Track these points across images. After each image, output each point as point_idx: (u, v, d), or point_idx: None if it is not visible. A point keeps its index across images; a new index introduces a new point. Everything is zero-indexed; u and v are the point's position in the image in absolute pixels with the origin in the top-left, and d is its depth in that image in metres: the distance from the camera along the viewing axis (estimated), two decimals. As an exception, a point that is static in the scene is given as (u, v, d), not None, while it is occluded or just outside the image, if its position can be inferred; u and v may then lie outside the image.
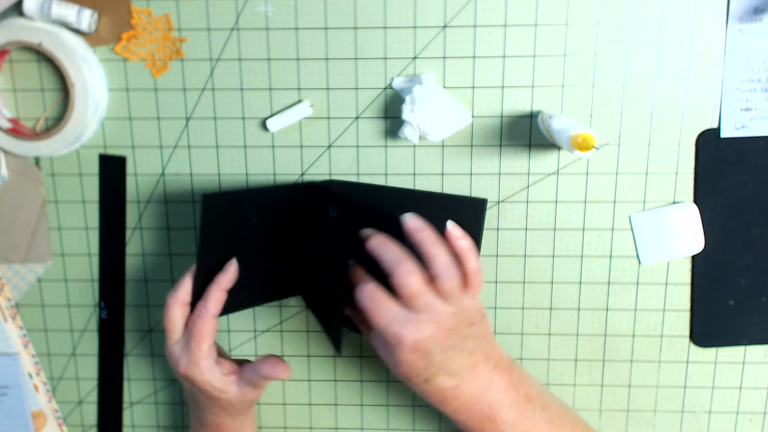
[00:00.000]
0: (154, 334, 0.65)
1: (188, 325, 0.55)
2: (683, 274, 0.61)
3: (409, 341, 0.48)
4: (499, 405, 0.52)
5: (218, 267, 0.56)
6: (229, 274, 0.55)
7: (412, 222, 0.50)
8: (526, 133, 0.59)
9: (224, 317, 0.64)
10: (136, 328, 0.65)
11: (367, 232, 0.52)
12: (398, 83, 0.58)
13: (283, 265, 0.60)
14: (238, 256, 0.56)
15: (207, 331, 0.54)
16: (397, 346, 0.49)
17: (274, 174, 0.61)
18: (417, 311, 0.49)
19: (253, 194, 0.58)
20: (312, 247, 0.58)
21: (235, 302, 0.57)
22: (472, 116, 0.58)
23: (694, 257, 0.60)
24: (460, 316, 0.50)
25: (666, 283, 0.61)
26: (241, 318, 0.64)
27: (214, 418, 0.58)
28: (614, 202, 0.60)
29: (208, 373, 0.55)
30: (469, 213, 0.58)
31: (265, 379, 0.56)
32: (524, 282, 0.62)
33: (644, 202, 0.60)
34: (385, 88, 0.59)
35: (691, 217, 0.59)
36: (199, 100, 0.60)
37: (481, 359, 0.51)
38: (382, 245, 0.50)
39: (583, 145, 0.49)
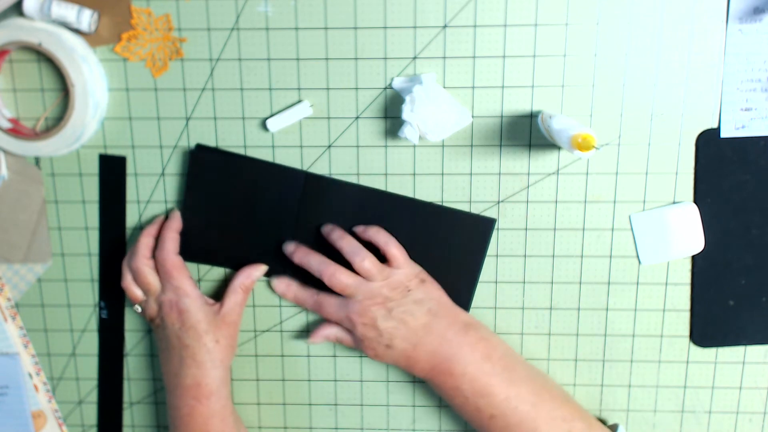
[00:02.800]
0: (154, 334, 0.65)
1: (164, 273, 0.59)
2: (683, 274, 0.61)
3: (356, 318, 0.57)
4: (456, 360, 0.56)
5: (204, 225, 0.62)
6: (175, 221, 0.61)
7: (327, 230, 0.60)
8: (526, 133, 0.59)
9: (224, 317, 0.64)
10: (136, 328, 0.65)
11: (327, 228, 0.60)
12: (398, 83, 0.58)
13: (264, 239, 0.62)
14: (223, 217, 0.61)
15: (182, 264, 0.60)
16: (352, 327, 0.58)
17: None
18: (351, 296, 0.58)
19: (246, 162, 0.60)
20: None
21: (209, 254, 0.63)
22: (472, 116, 0.58)
23: (694, 257, 0.60)
24: (391, 286, 0.57)
25: (666, 283, 0.61)
26: (242, 318, 0.64)
27: (194, 372, 0.58)
28: (614, 202, 0.60)
29: (200, 299, 0.59)
30: (476, 230, 0.60)
31: (246, 287, 0.61)
32: (524, 282, 0.62)
33: (644, 202, 0.60)
34: (385, 88, 0.59)
35: (691, 217, 0.59)
36: (199, 100, 0.60)
37: (431, 320, 0.57)
38: (331, 235, 0.60)
39: (583, 145, 0.49)
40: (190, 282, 0.60)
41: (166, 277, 0.59)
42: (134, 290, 0.60)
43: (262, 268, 0.62)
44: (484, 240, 0.61)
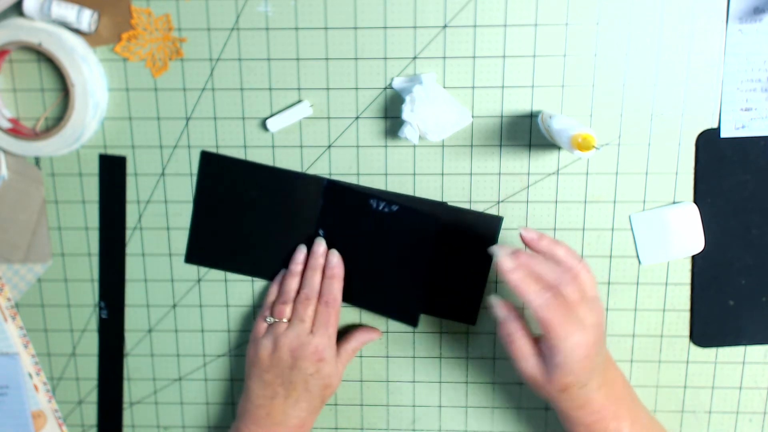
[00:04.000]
0: (154, 334, 0.65)
1: (325, 316, 0.59)
2: (683, 274, 0.61)
3: (582, 349, 0.50)
4: (614, 381, 0.55)
5: (215, 230, 0.61)
6: (341, 266, 0.61)
7: (528, 233, 0.53)
8: (526, 133, 0.59)
9: (224, 316, 0.64)
10: (136, 328, 0.65)
11: (501, 254, 0.52)
12: (398, 83, 0.58)
13: (281, 246, 0.62)
14: (236, 223, 0.61)
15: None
16: (570, 354, 0.49)
17: (274, 174, 0.61)
18: (577, 318, 0.50)
19: (252, 167, 0.60)
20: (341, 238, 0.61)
21: (219, 259, 0.63)
22: (472, 116, 0.58)
23: (694, 257, 0.60)
24: (599, 321, 0.52)
25: (666, 283, 0.61)
26: (242, 318, 0.64)
27: (305, 416, 0.59)
28: (614, 202, 0.60)
29: (336, 356, 0.60)
30: (485, 228, 0.61)
31: (358, 349, 0.63)
32: (524, 282, 0.62)
33: (644, 202, 0.60)
34: (385, 88, 0.59)
35: (691, 217, 0.59)
36: (199, 100, 0.60)
37: (605, 361, 0.54)
38: (538, 265, 0.51)
39: (583, 145, 0.49)
40: (336, 333, 0.60)
41: (325, 321, 0.59)
42: (285, 308, 0.59)
43: (378, 333, 0.63)
44: (491, 239, 0.61)
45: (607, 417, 0.53)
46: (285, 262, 0.62)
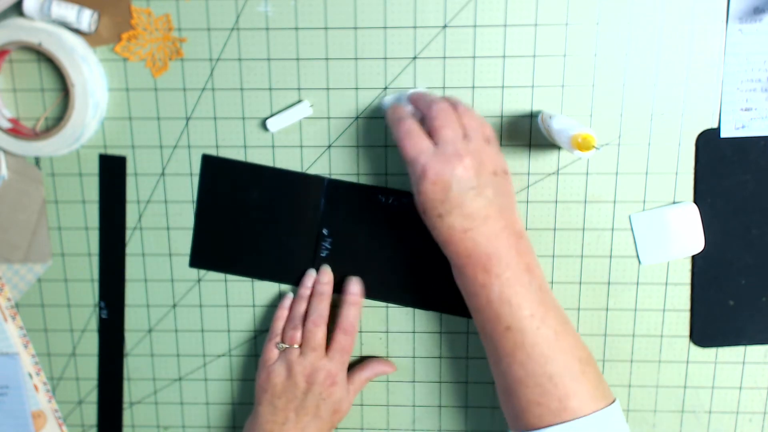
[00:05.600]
0: (154, 334, 0.65)
1: (340, 343, 0.60)
2: (683, 274, 0.61)
3: (432, 171, 0.51)
4: (497, 260, 0.52)
5: (218, 233, 0.62)
6: (360, 294, 0.62)
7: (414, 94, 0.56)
8: (526, 133, 0.59)
9: (224, 316, 0.64)
10: (136, 328, 0.65)
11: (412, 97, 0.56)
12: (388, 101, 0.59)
13: (284, 248, 0.62)
14: (237, 225, 0.61)
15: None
16: (421, 175, 0.51)
17: (274, 174, 0.61)
18: (444, 144, 0.51)
19: (254, 169, 0.60)
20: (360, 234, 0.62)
21: (222, 262, 0.63)
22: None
23: (694, 257, 0.60)
24: (482, 160, 0.52)
25: (666, 283, 0.61)
26: (241, 318, 0.64)
27: None
28: (614, 202, 0.60)
29: (346, 382, 0.61)
30: None
31: (371, 379, 0.64)
32: (524, 282, 0.62)
33: (644, 202, 0.60)
34: (385, 88, 0.59)
35: (691, 217, 0.59)
36: (199, 100, 0.60)
37: (494, 213, 0.52)
38: (419, 97, 0.55)
39: (583, 145, 0.49)
40: (349, 360, 0.61)
41: (341, 348, 0.59)
42: (296, 334, 0.59)
43: (393, 367, 0.64)
44: None
45: (475, 265, 0.52)
46: (288, 262, 0.62)
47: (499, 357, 0.53)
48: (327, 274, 0.62)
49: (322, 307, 0.60)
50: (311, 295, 0.61)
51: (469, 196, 0.51)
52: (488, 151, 0.52)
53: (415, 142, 0.52)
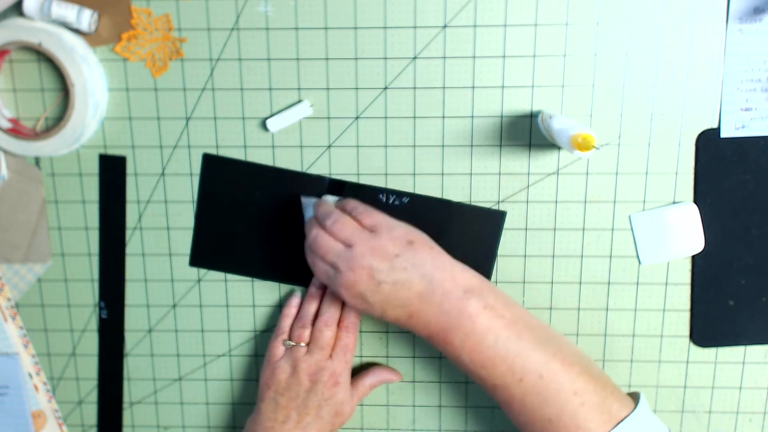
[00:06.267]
0: (154, 334, 0.65)
1: (344, 343, 0.59)
2: (683, 274, 0.61)
3: (346, 293, 0.53)
4: (453, 333, 0.52)
5: (218, 232, 0.62)
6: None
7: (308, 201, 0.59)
8: (526, 133, 0.59)
9: (224, 316, 0.64)
10: (136, 328, 0.65)
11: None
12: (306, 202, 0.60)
13: (284, 247, 0.62)
14: (237, 224, 0.61)
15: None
16: (343, 297, 0.54)
17: (274, 174, 0.61)
18: (335, 265, 0.53)
19: (254, 169, 0.60)
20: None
21: (222, 261, 0.63)
22: (472, 116, 0.58)
23: (694, 257, 0.60)
24: (374, 253, 0.52)
25: (666, 283, 0.61)
26: (241, 318, 0.64)
27: None
28: (614, 202, 0.60)
29: (349, 384, 0.60)
30: (488, 223, 0.60)
31: (376, 386, 0.63)
32: (524, 282, 0.62)
33: (644, 202, 0.60)
34: (385, 88, 0.59)
35: (691, 217, 0.59)
36: (199, 100, 0.60)
37: (426, 287, 0.52)
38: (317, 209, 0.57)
39: (583, 145, 0.49)
40: (352, 360, 0.61)
41: (344, 346, 0.59)
42: (304, 332, 0.59)
43: (399, 376, 0.64)
44: (495, 234, 0.61)
45: (437, 342, 0.53)
46: (288, 262, 0.62)
47: (502, 408, 0.54)
48: None
49: (335, 308, 0.60)
50: (324, 295, 0.61)
51: (387, 291, 0.52)
52: (372, 242, 0.52)
53: (320, 269, 0.54)
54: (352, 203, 0.56)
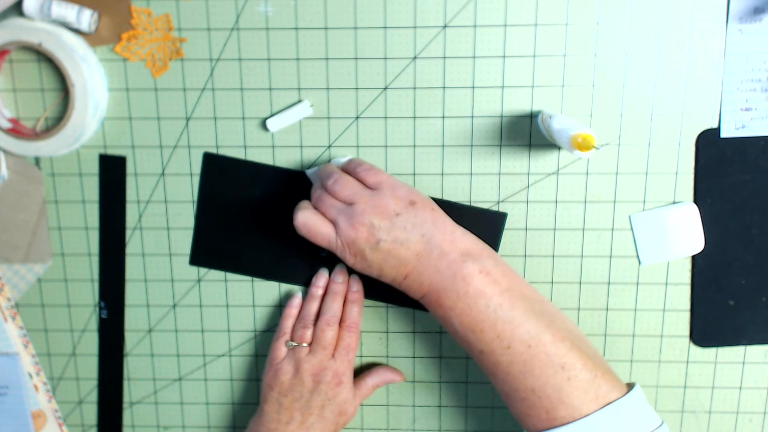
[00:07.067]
0: (154, 334, 0.65)
1: (347, 342, 0.60)
2: (683, 274, 0.61)
3: (346, 251, 0.53)
4: (445, 294, 0.52)
5: (218, 232, 0.62)
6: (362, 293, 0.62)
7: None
8: (526, 133, 0.59)
9: (224, 316, 0.64)
10: (136, 328, 0.65)
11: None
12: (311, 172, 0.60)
13: (283, 246, 0.62)
14: (238, 223, 0.61)
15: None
16: (343, 254, 0.54)
17: (274, 174, 0.61)
18: (335, 222, 0.53)
19: (255, 168, 0.60)
20: None
21: (223, 260, 0.63)
22: (472, 116, 0.58)
23: (694, 257, 0.60)
24: (376, 211, 0.52)
25: (666, 283, 0.61)
26: (241, 318, 0.64)
27: None
28: (614, 202, 0.60)
29: (352, 383, 0.61)
30: (489, 224, 0.60)
31: (379, 386, 0.63)
32: (524, 282, 0.62)
33: (644, 202, 0.60)
34: (385, 88, 0.59)
35: (691, 217, 0.59)
36: (199, 100, 0.60)
37: (424, 247, 0.52)
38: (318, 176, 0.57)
39: (583, 145, 0.49)
40: (355, 359, 0.61)
41: (346, 346, 0.59)
42: (306, 333, 0.59)
43: (401, 377, 0.64)
44: (495, 235, 0.61)
45: (429, 302, 0.54)
46: (288, 262, 0.62)
47: (486, 374, 0.54)
48: (342, 274, 0.61)
49: (336, 307, 0.60)
50: (325, 294, 0.61)
51: (385, 250, 0.52)
52: (380, 195, 0.53)
53: (319, 230, 0.54)
54: (356, 161, 0.57)
